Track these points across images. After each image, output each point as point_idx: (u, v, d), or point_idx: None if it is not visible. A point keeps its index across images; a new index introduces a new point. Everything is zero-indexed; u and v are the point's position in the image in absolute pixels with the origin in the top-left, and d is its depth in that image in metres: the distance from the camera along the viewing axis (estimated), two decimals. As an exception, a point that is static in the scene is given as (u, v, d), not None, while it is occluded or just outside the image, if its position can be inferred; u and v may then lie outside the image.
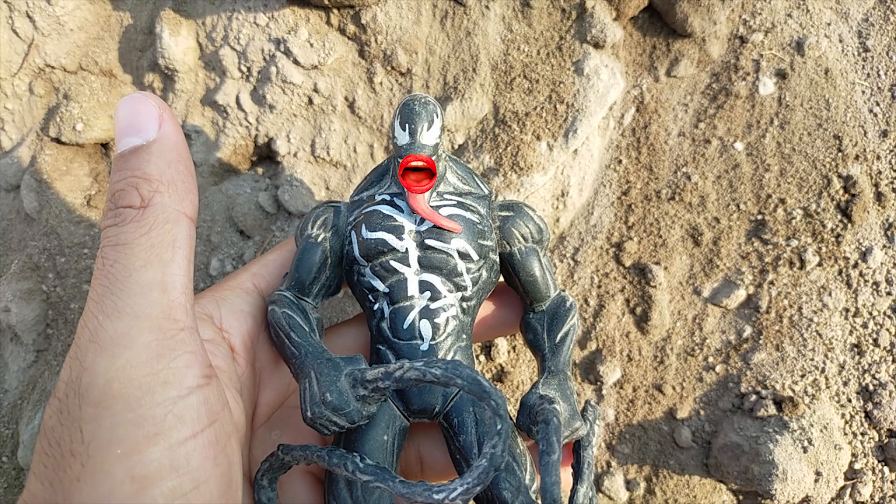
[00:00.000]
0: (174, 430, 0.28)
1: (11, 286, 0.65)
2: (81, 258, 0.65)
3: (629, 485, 0.63)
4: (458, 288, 0.39)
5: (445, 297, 0.38)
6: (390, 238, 0.38)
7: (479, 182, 0.42)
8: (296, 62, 0.61)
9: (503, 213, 0.41)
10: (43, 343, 0.67)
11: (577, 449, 0.39)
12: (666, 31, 0.64)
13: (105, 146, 0.67)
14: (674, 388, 0.63)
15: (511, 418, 0.37)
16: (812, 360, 0.60)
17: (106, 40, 0.66)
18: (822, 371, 0.60)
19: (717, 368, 0.63)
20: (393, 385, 0.33)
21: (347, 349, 0.44)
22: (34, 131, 0.67)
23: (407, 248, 0.38)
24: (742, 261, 0.62)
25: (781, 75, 0.63)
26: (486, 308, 0.45)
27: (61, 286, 0.66)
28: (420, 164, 0.37)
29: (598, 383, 0.64)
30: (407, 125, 0.38)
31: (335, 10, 0.61)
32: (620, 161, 0.64)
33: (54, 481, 0.27)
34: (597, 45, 0.61)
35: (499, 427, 0.30)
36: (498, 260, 0.41)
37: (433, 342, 0.38)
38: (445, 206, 0.39)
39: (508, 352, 0.65)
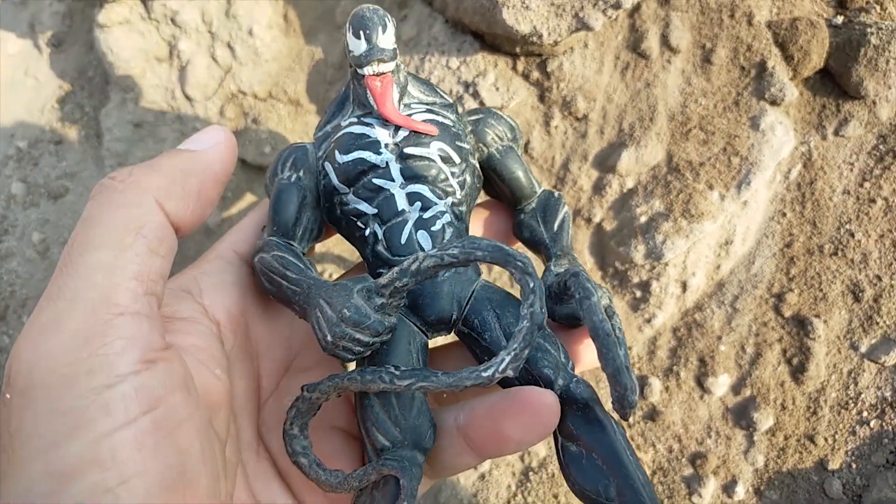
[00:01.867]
0: (97, 422, 0.25)
1: (191, 295, 0.70)
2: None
3: (776, 531, 0.65)
4: (447, 193, 0.38)
5: (437, 204, 0.37)
6: (368, 155, 0.37)
7: (441, 93, 0.41)
8: (481, 104, 0.64)
9: (473, 118, 0.40)
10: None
11: None
12: (837, 92, 0.66)
13: (285, 169, 0.72)
14: (826, 439, 0.65)
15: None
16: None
17: (296, 72, 0.70)
18: None
19: (872, 423, 0.64)
20: (411, 281, 0.31)
21: None
22: (221, 151, 0.72)
23: (387, 162, 0.37)
24: (903, 320, 0.64)
25: (951, 141, 0.64)
26: (479, 220, 0.44)
27: (237, 298, 0.70)
28: (383, 70, 0.37)
29: (751, 429, 0.65)
30: (361, 32, 0.36)
31: (522, 58, 0.65)
32: (784, 214, 0.66)
33: None
34: (774, 103, 0.63)
35: (531, 285, 0.29)
36: (477, 165, 0.40)
37: None
38: (416, 112, 0.38)
39: (661, 391, 0.67)
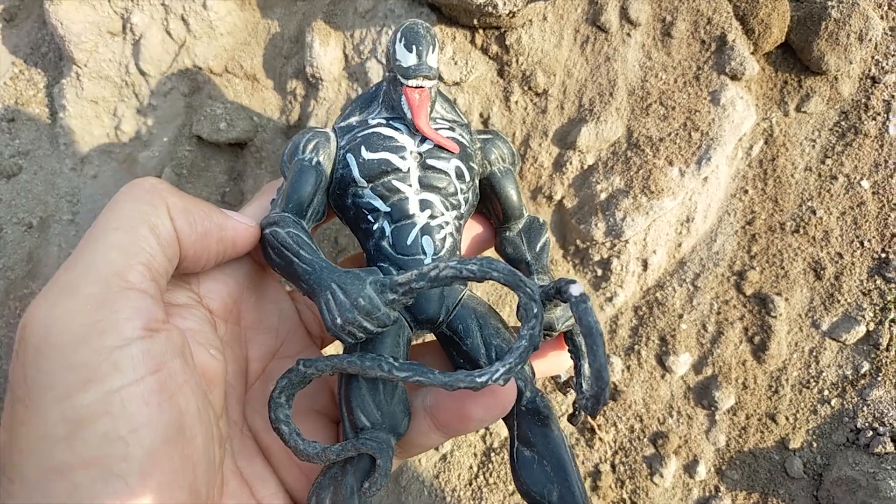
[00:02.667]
0: (109, 378, 0.28)
1: (145, 274, 0.68)
2: (214, 252, 0.68)
3: (737, 511, 0.64)
4: (454, 207, 0.40)
5: (443, 214, 0.40)
6: (393, 158, 0.39)
7: (458, 112, 0.44)
8: (440, 79, 0.63)
9: (482, 137, 0.44)
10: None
11: (570, 336, 0.42)
12: (798, 67, 0.65)
13: (242, 146, 0.70)
14: (787, 418, 0.64)
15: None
16: None
17: (252, 46, 0.69)
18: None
19: (833, 402, 0.63)
20: (427, 285, 0.34)
21: None
22: (176, 127, 0.70)
23: (409, 168, 0.40)
24: (863, 297, 0.63)
25: (912, 117, 0.64)
26: (473, 229, 0.47)
27: (192, 277, 0.68)
28: (424, 85, 0.39)
29: (712, 408, 0.64)
30: (414, 47, 0.39)
31: (480, 31, 0.63)
32: (746, 191, 0.66)
33: (10, 427, 0.28)
34: (734, 77, 0.62)
35: (535, 311, 0.32)
36: (478, 185, 0.43)
37: (435, 257, 0.40)
38: (442, 128, 0.41)
39: (622, 370, 0.66)
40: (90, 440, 0.27)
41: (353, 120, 0.42)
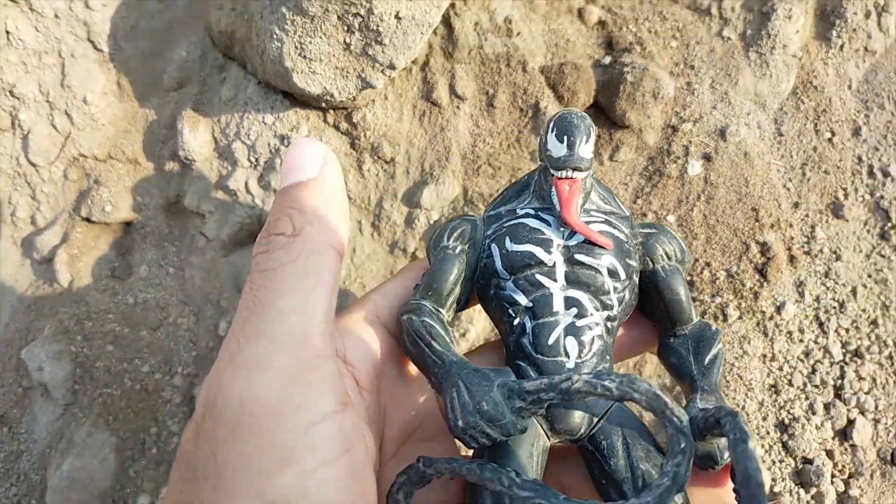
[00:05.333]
0: (306, 458, 0.27)
1: (44, 348, 0.75)
2: (106, 322, 0.75)
3: None
4: (605, 307, 0.38)
5: (592, 315, 0.37)
6: (538, 251, 0.38)
7: (619, 203, 0.42)
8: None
9: (646, 231, 0.41)
10: (70, 398, 0.76)
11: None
12: (609, 122, 0.76)
13: (128, 224, 0.77)
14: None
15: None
16: (734, 399, 0.71)
17: (132, 133, 0.76)
18: (744, 408, 0.71)
19: (659, 408, 0.73)
20: (557, 398, 0.31)
21: None
22: (67, 211, 0.77)
23: (554, 262, 0.38)
24: (677, 316, 0.74)
25: (707, 158, 0.75)
26: (625, 328, 0.44)
27: (88, 347, 0.75)
28: (575, 176, 0.38)
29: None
30: (566, 137, 0.38)
31: (331, 111, 0.73)
32: (573, 232, 0.76)
33: None
34: (550, 138, 0.73)
35: (682, 445, 0.29)
36: (637, 283, 0.40)
37: (579, 360, 0.37)
38: (594, 222, 0.39)
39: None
40: None
41: (503, 209, 0.41)
